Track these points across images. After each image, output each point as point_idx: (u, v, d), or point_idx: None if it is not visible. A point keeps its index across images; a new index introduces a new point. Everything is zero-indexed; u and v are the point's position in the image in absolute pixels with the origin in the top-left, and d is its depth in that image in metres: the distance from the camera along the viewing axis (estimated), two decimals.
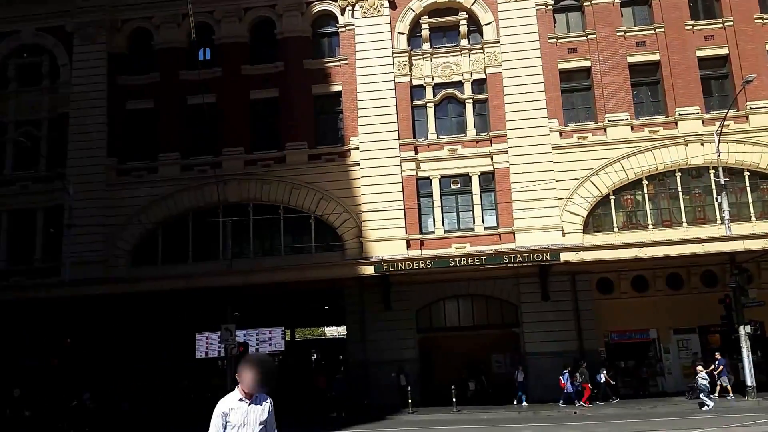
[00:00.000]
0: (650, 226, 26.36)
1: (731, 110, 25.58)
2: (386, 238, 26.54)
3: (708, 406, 20.61)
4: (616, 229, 26.51)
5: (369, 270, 24.07)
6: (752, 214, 26.14)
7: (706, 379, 21.55)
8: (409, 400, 23.29)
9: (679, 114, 26.77)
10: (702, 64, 27.32)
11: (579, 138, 27.16)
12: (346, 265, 25.79)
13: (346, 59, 28.63)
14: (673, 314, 25.91)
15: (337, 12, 29.18)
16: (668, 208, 26.81)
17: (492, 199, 27.35)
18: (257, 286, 25.23)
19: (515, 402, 24.25)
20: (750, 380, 22.44)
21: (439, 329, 27.29)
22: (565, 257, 23.45)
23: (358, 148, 27.74)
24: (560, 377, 23.73)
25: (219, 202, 27.66)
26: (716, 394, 22.98)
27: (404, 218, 26.84)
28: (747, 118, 26.56)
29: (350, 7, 28.95)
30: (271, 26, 29.45)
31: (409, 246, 26.64)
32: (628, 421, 19.08)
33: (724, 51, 27.28)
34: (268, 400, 5.31)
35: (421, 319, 27.09)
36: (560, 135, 27.22)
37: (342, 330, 31.46)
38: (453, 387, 23.38)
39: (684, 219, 26.38)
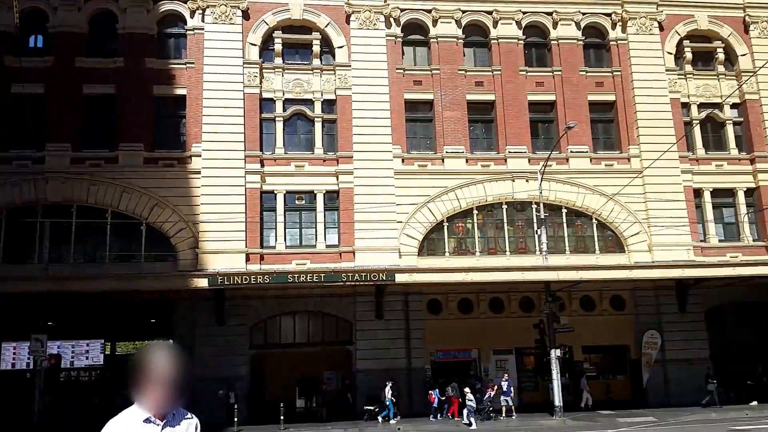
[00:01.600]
0: (478, 253, 28.08)
1: (554, 152, 28.06)
2: (224, 251, 25.84)
3: (473, 426, 22.24)
4: (447, 253, 27.93)
5: (203, 283, 23.28)
6: (567, 248, 28.73)
7: (472, 401, 23.11)
8: (236, 419, 22.70)
9: (509, 152, 28.90)
10: (532, 107, 29.77)
11: (419, 166, 28.39)
12: (177, 276, 24.70)
13: (192, 63, 27.70)
14: (493, 336, 27.66)
15: (186, 14, 28.21)
16: (494, 237, 28.72)
17: (335, 218, 27.67)
18: (76, 294, 23.37)
19: (381, 420, 24.27)
20: (558, 401, 24.41)
21: (273, 346, 26.95)
22: (400, 278, 24.27)
23: (200, 156, 26.86)
24: (430, 392, 24.75)
25: (38, 201, 25.38)
26: (504, 415, 24.73)
27: (245, 231, 26.32)
28: (567, 160, 29.27)
29: (200, 11, 28.14)
30: (113, 20, 27.77)
31: (248, 260, 26.13)
32: None
33: (552, 97, 29.95)
34: (191, 418, 3.52)
35: (255, 335, 26.59)
36: (402, 161, 28.28)
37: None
38: (282, 405, 23.13)
39: (508, 248, 28.39)
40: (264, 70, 28.26)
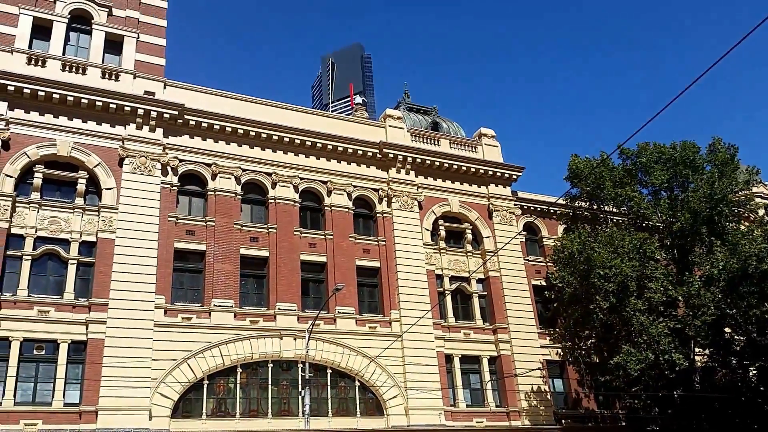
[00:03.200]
0: (238, 415, 26.73)
1: (323, 311, 28.67)
2: None
3: None
4: (204, 416, 26.17)
5: None
6: (329, 410, 28.59)
7: None
8: None
9: (279, 308, 28.96)
10: (304, 266, 30.57)
11: (183, 318, 27.10)
12: None
13: None
14: None
15: None
16: (257, 397, 27.72)
17: (79, 372, 24.82)
18: None
19: None
20: None
21: None
22: None
23: None
24: None
25: None
26: None
27: None
28: (335, 320, 30.01)
29: None
30: None
31: None
32: None
33: (323, 259, 31.11)
34: None
35: None
36: (165, 312, 26.80)
37: None
38: None
39: (270, 410, 27.46)
40: (17, 204, 25.81)
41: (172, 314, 26.96)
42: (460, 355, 32.11)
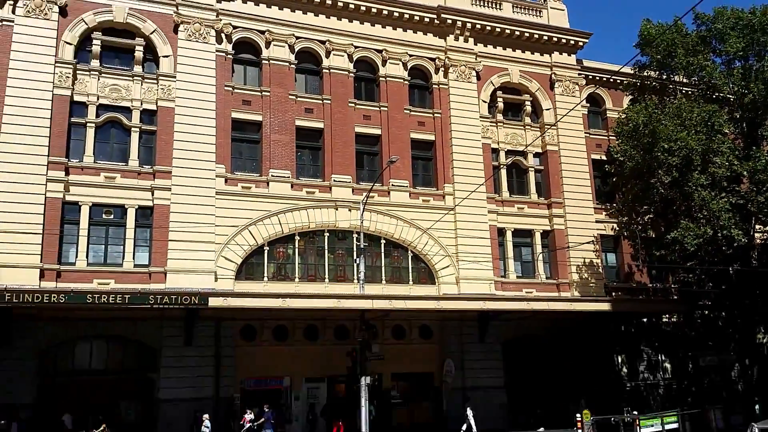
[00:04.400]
0: (297, 279, 27.97)
1: (377, 184, 28.93)
2: (14, 265, 23.24)
3: None
4: (266, 278, 27.49)
5: None
6: (383, 278, 29.58)
7: (208, 428, 22.89)
8: None
9: (334, 180, 29.34)
10: (358, 139, 30.53)
11: (243, 187, 27.81)
12: None
13: None
14: (306, 364, 27.58)
15: None
16: (315, 264, 28.83)
17: (147, 236, 26.14)
18: None
19: None
20: (365, 427, 24.79)
21: (66, 373, 24.61)
22: (214, 302, 23.33)
23: None
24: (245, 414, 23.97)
25: None
26: None
27: (41, 245, 23.92)
28: (389, 193, 30.30)
29: (11, 2, 25.54)
30: None
31: (42, 276, 23.73)
32: None
33: (378, 131, 30.94)
34: None
35: (46, 360, 24.13)
36: (226, 181, 27.52)
37: None
38: None
39: (327, 275, 28.61)
40: (78, 72, 26.22)
41: (232, 183, 27.66)
42: (512, 229, 32.27)
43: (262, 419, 23.93)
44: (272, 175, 28.29)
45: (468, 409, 27.50)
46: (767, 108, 27.55)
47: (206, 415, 23.07)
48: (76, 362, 25.07)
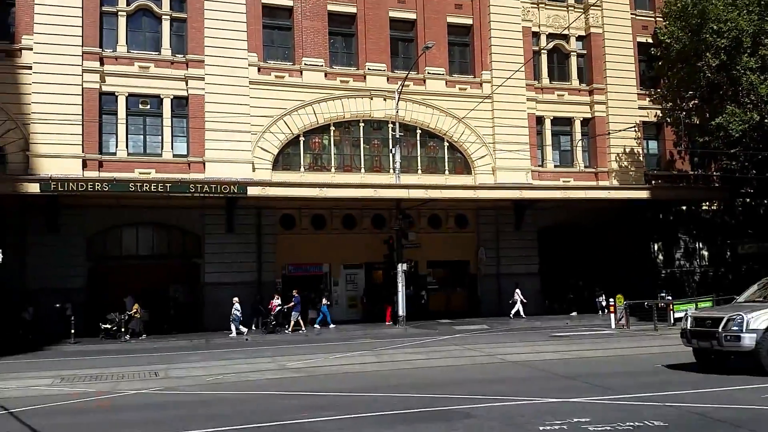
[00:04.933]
0: (333, 169, 28.17)
1: (412, 72, 28.29)
2: (59, 155, 23.89)
3: (243, 332, 23.12)
4: (302, 168, 27.76)
5: (34, 188, 21.45)
6: (419, 167, 29.56)
7: (239, 311, 23.55)
8: (72, 331, 21.76)
9: (369, 68, 28.78)
10: (393, 24, 29.61)
11: (276, 76, 27.54)
12: (6, 180, 22.57)
13: None
14: (344, 251, 28.27)
15: None
16: (350, 154, 28.88)
17: (184, 126, 26.43)
18: None
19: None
20: (401, 311, 25.70)
21: (113, 258, 25.76)
22: (252, 191, 23.83)
23: (31, 49, 24.23)
24: (272, 301, 24.73)
25: None
26: (290, 329, 24.54)
27: (82, 135, 24.42)
28: (424, 81, 29.69)
29: None
30: None
31: (85, 166, 24.42)
32: (301, 345, 20.47)
33: (413, 16, 29.89)
34: None
35: (94, 246, 25.23)
36: (258, 70, 27.27)
37: None
38: (122, 317, 22.37)
39: (363, 166, 28.73)
40: None
41: (265, 72, 27.40)
42: (551, 117, 31.55)
43: (292, 303, 24.76)
44: (305, 64, 27.87)
45: (517, 292, 28.27)
46: None
47: (236, 298, 23.79)
48: (124, 248, 26.16)
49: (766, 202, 30.21)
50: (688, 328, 13.02)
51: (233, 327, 23.55)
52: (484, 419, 8.81)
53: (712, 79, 26.66)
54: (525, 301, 28.49)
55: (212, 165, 25.88)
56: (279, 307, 24.65)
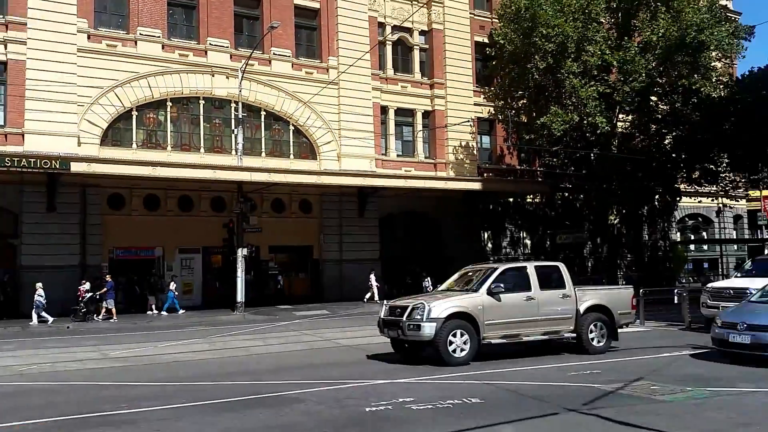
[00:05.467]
0: (169, 148, 26.86)
1: (257, 52, 27.64)
2: None
3: (47, 320, 21.46)
4: (135, 145, 26.20)
5: None
6: (263, 150, 29.04)
7: (42, 297, 21.77)
8: None
9: (210, 44, 27.72)
10: (238, 0, 28.66)
11: (108, 45, 25.73)
12: None
13: None
14: (180, 234, 27.13)
15: None
16: (189, 132, 27.71)
17: (1, 93, 23.90)
18: None
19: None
20: (240, 296, 25.11)
21: None
22: (77, 168, 22.07)
23: None
24: (79, 287, 22.76)
25: None
26: (100, 316, 23.04)
27: None
28: (270, 62, 29.14)
29: None
30: None
31: None
32: (129, 334, 19.34)
33: None
34: None
35: None
36: (88, 38, 25.31)
37: None
38: None
39: (203, 145, 27.68)
40: None
41: (95, 40, 25.47)
42: (395, 107, 32.41)
43: (105, 289, 22.99)
44: (140, 34, 26.25)
45: (371, 277, 28.65)
46: None
47: (39, 284, 21.77)
48: None
49: (581, 196, 33.26)
50: (382, 316, 12.57)
51: (35, 315, 21.48)
52: (313, 403, 8.85)
53: (539, 81, 28.75)
54: (379, 285, 28.93)
55: (32, 137, 23.64)
56: (89, 294, 22.84)
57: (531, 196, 35.05)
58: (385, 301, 13.60)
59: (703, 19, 26.63)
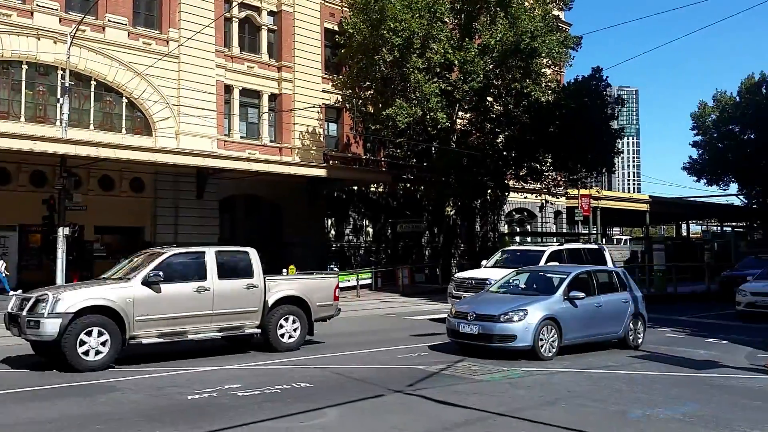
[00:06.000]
0: None
1: (90, 17, 25.53)
2: None
3: None
4: None
5: None
6: (91, 123, 26.95)
7: None
8: None
9: (37, 5, 25.20)
10: None
11: None
12: None
13: None
14: None
15: None
16: (8, 99, 25.06)
17: None
18: None
19: None
20: (60, 279, 23.17)
21: None
22: None
23: None
24: None
25: None
26: None
27: None
28: (104, 29, 27.04)
29: None
30: None
31: None
32: None
33: None
34: None
35: None
36: None
37: None
38: None
39: (24, 114, 25.17)
40: None
41: None
42: (240, 88, 31.49)
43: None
44: None
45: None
46: (483, 2, 29.96)
47: None
48: None
49: (422, 188, 34.51)
50: (9, 310, 10.32)
51: None
52: (131, 392, 8.38)
53: (386, 73, 29.30)
54: None
55: None
56: None
57: (375, 186, 35.70)
58: (20, 292, 11.59)
59: (537, 27, 28.50)
